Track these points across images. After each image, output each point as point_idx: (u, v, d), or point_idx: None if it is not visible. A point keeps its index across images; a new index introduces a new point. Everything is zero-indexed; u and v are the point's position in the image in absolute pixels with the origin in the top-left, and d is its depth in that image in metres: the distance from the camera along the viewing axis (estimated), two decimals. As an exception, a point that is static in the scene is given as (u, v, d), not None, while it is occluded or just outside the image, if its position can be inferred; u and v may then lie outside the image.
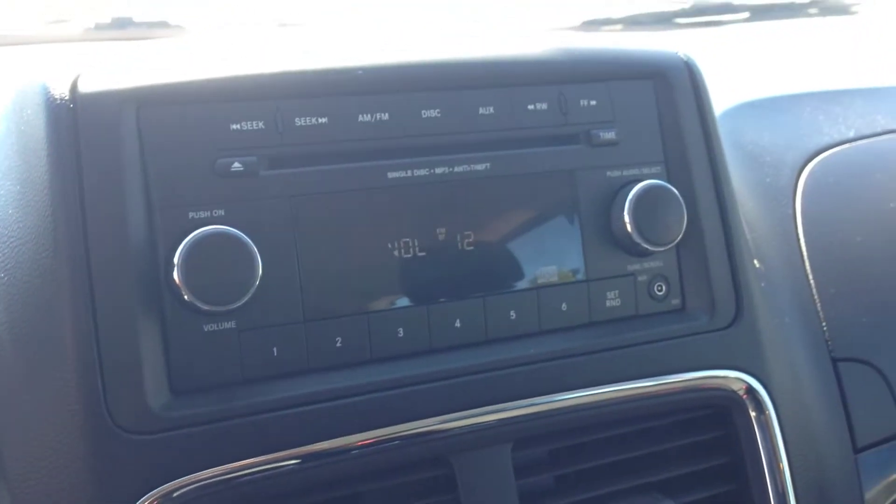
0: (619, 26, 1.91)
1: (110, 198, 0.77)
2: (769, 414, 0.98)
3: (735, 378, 0.97)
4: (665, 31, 1.91)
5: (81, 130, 0.77)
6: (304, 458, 0.80)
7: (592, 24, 1.89)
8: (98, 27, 1.54)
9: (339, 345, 0.84)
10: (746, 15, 2.00)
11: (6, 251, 0.79)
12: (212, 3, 1.75)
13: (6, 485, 0.77)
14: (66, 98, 0.77)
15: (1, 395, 0.78)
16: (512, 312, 0.90)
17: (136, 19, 1.58)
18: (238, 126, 0.81)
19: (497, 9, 1.95)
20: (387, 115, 0.86)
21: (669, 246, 0.94)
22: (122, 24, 1.56)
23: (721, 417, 0.99)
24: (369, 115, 0.86)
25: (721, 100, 1.27)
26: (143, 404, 0.76)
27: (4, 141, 0.82)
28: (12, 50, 1.45)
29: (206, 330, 0.80)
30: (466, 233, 0.88)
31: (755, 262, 1.03)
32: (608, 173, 0.94)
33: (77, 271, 0.75)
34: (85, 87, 0.78)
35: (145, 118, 0.79)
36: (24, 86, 0.81)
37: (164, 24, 1.59)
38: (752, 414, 0.98)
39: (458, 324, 0.88)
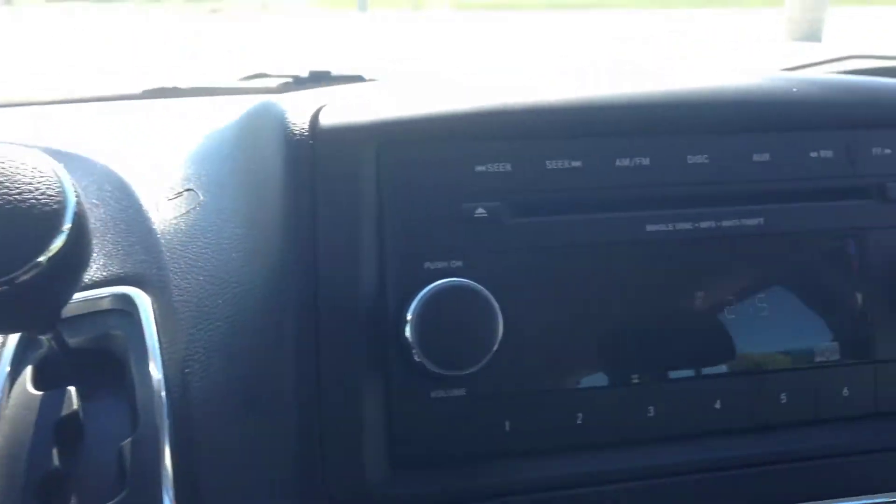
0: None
1: (344, 243, 0.69)
2: None
3: None
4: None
5: (319, 168, 0.70)
6: None
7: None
8: (297, 81, 1.53)
9: (579, 421, 0.73)
10: None
11: (228, 297, 0.72)
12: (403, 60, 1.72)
13: None
14: (307, 133, 0.70)
15: (212, 450, 0.72)
16: (783, 395, 0.77)
17: (333, 73, 1.57)
18: (483, 168, 0.73)
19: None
20: (648, 159, 0.76)
21: None
22: (318, 78, 1.56)
23: None
24: (628, 160, 0.75)
25: None
26: (361, 478, 0.68)
27: (227, 181, 0.76)
28: (211, 101, 1.44)
29: (432, 396, 0.70)
30: (731, 298, 0.77)
31: None
32: None
33: (304, 324, 0.68)
34: (326, 120, 0.71)
35: (384, 156, 0.71)
36: (255, 122, 0.76)
37: (358, 79, 1.57)
38: None
39: (717, 405, 0.76)
